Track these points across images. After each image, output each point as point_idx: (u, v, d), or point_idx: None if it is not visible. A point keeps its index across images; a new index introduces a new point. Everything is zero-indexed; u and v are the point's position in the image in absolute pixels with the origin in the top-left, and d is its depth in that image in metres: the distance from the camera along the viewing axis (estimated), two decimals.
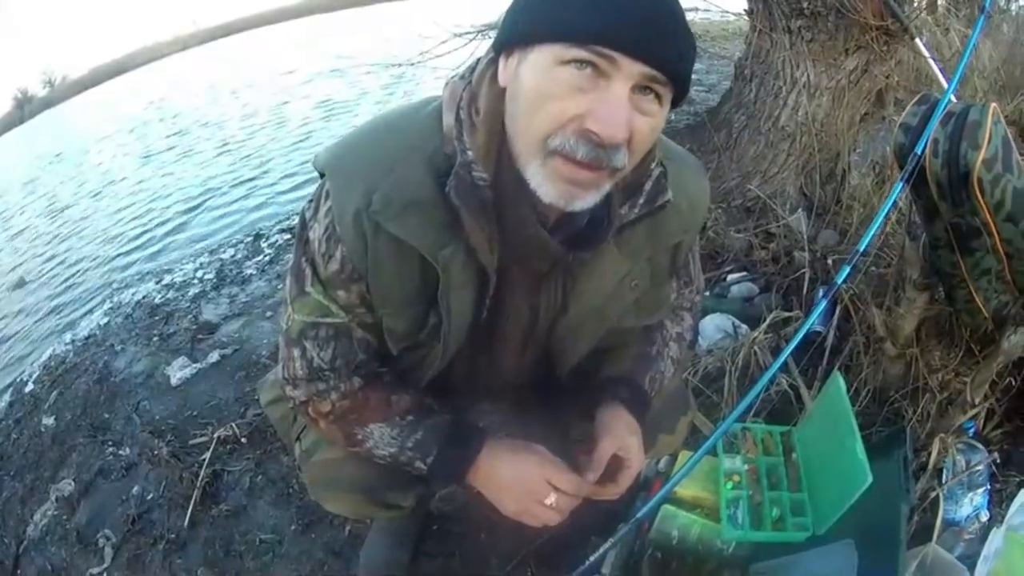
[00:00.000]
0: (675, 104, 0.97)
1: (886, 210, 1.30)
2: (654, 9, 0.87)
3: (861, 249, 1.30)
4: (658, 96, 0.91)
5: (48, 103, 36.51)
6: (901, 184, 1.34)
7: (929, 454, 1.79)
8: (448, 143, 1.01)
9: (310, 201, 1.10)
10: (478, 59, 1.06)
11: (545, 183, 0.93)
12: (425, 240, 1.02)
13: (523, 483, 1.15)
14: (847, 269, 1.29)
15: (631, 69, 0.86)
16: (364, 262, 1.04)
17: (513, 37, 0.94)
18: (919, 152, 1.39)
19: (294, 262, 1.13)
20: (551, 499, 1.14)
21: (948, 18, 3.25)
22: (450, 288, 1.06)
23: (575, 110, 0.88)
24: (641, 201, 1.08)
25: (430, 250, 1.02)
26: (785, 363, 2.21)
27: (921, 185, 1.47)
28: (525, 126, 0.93)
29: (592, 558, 1.28)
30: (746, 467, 1.78)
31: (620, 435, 1.21)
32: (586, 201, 0.96)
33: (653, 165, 1.08)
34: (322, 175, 1.08)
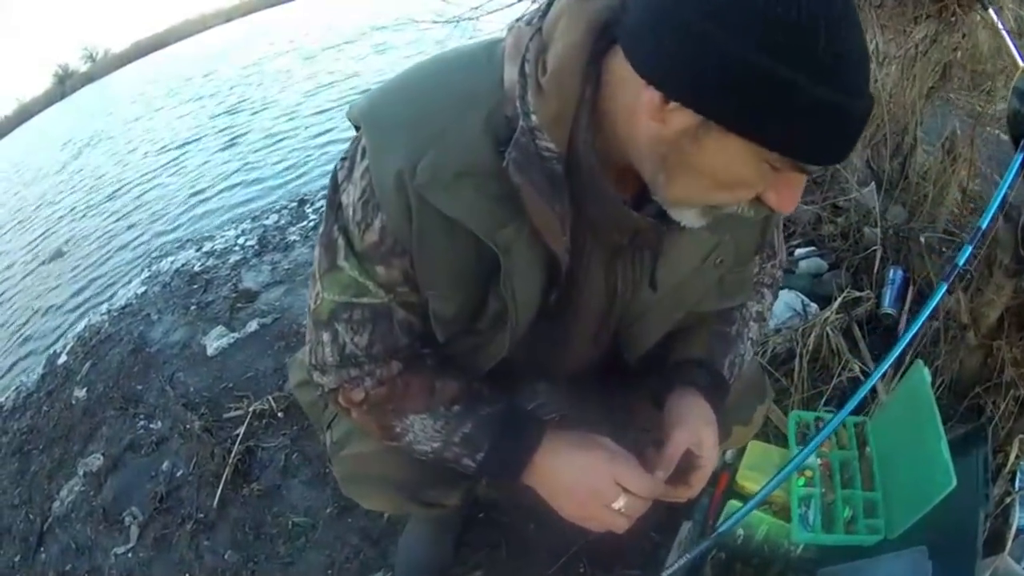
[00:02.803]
0: None
1: (1007, 183, 1.15)
2: (861, 125, 0.76)
3: (983, 225, 1.15)
4: None
5: (89, 78, 37.04)
6: (1021, 156, 1.19)
7: (1006, 455, 1.66)
8: (509, 103, 0.84)
9: (343, 159, 0.96)
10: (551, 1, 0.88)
11: (694, 220, 0.89)
12: (480, 217, 0.88)
13: (588, 484, 1.01)
14: (969, 249, 1.14)
15: (815, 169, 0.84)
16: (408, 233, 0.90)
17: (712, 109, 0.74)
18: None
19: (324, 231, 0.99)
20: (620, 502, 1.00)
21: None
22: (514, 273, 0.92)
23: (758, 191, 0.83)
24: None
25: (486, 231, 0.88)
26: (857, 347, 2.08)
27: None
28: (699, 191, 0.84)
29: (667, 573, 1.15)
30: (819, 461, 1.65)
31: (695, 427, 1.07)
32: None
33: None
34: (358, 128, 0.93)
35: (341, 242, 0.96)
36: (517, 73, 0.84)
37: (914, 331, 1.08)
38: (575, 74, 0.82)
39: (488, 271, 0.93)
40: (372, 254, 0.94)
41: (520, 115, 0.83)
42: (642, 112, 0.77)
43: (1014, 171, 1.17)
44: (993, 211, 1.14)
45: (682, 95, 0.73)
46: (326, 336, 1.03)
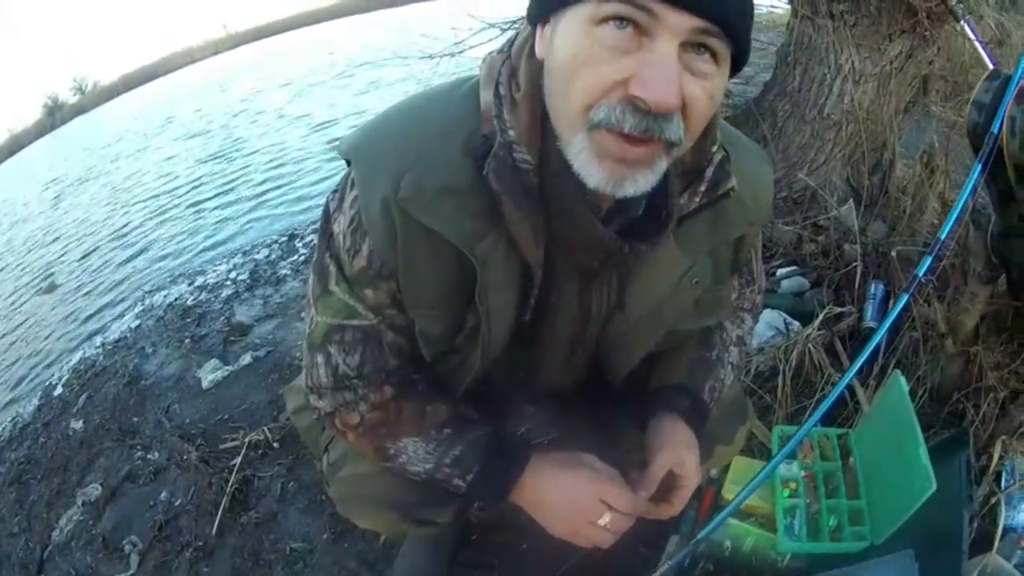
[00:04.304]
0: (736, 68, 0.83)
1: (967, 194, 1.19)
2: None
3: (942, 236, 1.19)
4: (714, 55, 0.78)
5: (79, 110, 36.97)
6: (979, 166, 1.23)
7: (990, 457, 1.69)
8: (487, 122, 0.90)
9: (334, 191, 1.01)
10: (517, 31, 0.96)
11: (590, 163, 0.81)
12: (460, 231, 0.91)
13: (573, 502, 1.06)
14: (928, 260, 1.18)
15: (677, 23, 0.73)
16: (394, 257, 0.95)
17: (546, 2, 0.84)
18: (995, 132, 1.28)
19: (317, 258, 1.04)
20: (605, 519, 1.05)
21: (980, 5, 3.11)
22: (489, 286, 0.95)
23: (617, 75, 0.76)
24: (702, 188, 0.97)
25: (466, 242, 0.92)
26: (839, 361, 2.12)
27: (997, 168, 1.35)
28: (563, 99, 0.81)
29: None
30: (803, 473, 1.68)
31: (676, 449, 1.12)
32: (638, 184, 0.82)
33: (714, 149, 0.96)
34: (348, 163, 0.98)
35: (332, 268, 1.01)
36: (492, 95, 0.90)
37: (880, 336, 1.12)
38: (539, 91, 0.88)
39: (468, 289, 0.97)
40: (361, 278, 0.99)
41: (498, 132, 0.89)
42: None
43: (972, 181, 1.21)
44: (952, 222, 1.18)
45: (538, 8, 0.85)
46: (320, 358, 1.07)
